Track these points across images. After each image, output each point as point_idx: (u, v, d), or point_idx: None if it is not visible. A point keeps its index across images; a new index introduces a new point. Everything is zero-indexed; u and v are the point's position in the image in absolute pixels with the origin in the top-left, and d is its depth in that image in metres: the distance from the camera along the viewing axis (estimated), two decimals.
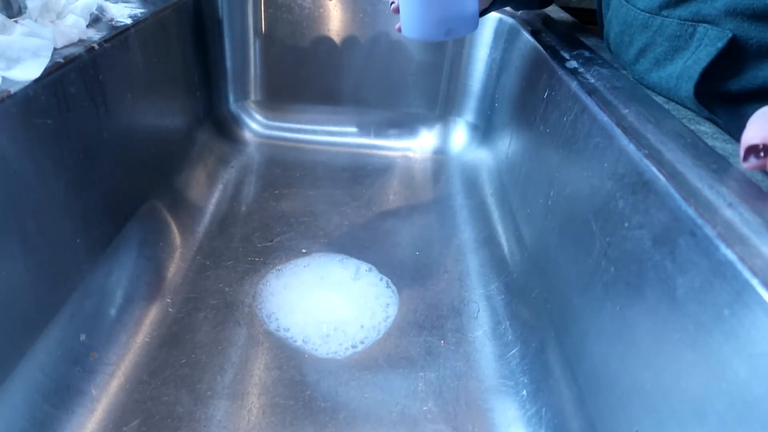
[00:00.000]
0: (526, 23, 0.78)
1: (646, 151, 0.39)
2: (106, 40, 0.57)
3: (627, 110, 0.46)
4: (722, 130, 0.44)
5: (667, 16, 0.50)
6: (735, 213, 0.31)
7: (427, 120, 0.99)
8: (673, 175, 0.36)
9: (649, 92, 0.52)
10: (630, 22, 0.54)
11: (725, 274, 0.29)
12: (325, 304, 0.66)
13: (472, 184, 0.86)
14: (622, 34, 0.56)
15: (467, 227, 0.77)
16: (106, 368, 0.52)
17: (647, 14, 0.52)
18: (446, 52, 0.94)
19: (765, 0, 0.42)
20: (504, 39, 0.86)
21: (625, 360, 0.38)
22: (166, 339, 0.57)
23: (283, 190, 0.85)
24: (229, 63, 0.97)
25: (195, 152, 0.85)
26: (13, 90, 0.43)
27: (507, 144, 0.79)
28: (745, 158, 0.33)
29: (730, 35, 0.44)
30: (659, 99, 0.50)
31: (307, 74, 0.97)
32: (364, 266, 0.69)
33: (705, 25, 0.46)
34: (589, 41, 0.68)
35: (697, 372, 0.30)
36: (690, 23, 0.48)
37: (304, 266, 0.69)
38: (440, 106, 0.99)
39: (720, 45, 0.45)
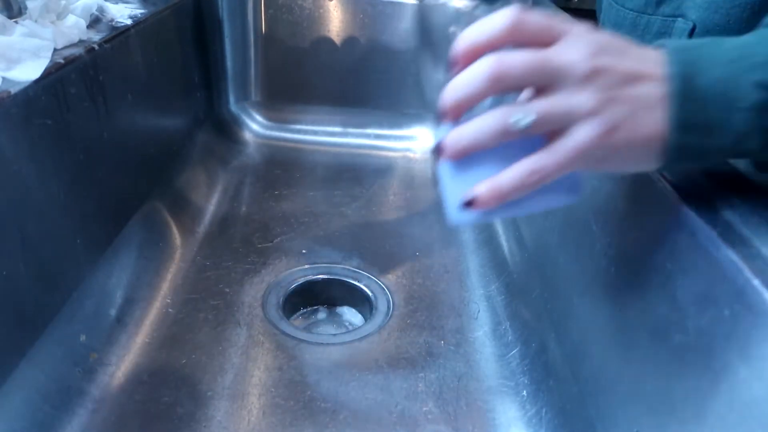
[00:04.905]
0: None
1: None
2: (106, 41, 0.57)
3: None
4: None
5: (652, 14, 0.50)
6: (735, 213, 0.31)
7: (427, 121, 0.99)
8: (673, 175, 0.36)
9: None
10: (620, 23, 0.54)
11: (725, 275, 0.29)
12: (325, 304, 0.66)
13: None
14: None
15: (467, 227, 0.77)
16: (106, 369, 0.52)
17: (635, 13, 0.52)
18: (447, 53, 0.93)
19: None
20: None
21: (625, 360, 0.38)
22: (166, 340, 0.57)
23: (283, 190, 0.85)
24: (229, 64, 0.97)
25: (195, 153, 0.85)
26: (13, 90, 0.43)
27: None
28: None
29: (691, 25, 0.45)
30: None
31: (307, 75, 0.97)
32: (364, 266, 0.69)
33: (680, 18, 0.47)
34: None
35: (697, 372, 0.30)
36: (671, 18, 0.48)
37: (306, 266, 0.69)
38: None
39: (684, 37, 0.46)
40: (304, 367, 0.55)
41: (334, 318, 0.65)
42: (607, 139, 0.27)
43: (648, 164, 0.28)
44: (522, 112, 0.27)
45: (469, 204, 0.31)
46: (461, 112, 0.30)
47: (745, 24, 0.43)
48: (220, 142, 0.93)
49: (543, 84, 0.27)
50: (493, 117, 0.28)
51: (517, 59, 0.27)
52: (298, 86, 0.99)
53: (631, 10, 0.53)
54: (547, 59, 0.27)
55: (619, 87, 0.27)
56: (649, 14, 0.51)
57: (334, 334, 0.60)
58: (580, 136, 0.27)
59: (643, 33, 0.52)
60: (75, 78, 0.51)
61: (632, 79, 0.27)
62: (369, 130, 1.00)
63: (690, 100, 0.26)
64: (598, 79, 0.27)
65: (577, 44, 0.27)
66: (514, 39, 0.28)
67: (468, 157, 0.30)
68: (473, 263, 0.71)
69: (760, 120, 0.26)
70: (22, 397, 0.44)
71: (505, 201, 0.29)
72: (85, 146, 0.53)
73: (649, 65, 0.27)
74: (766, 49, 0.26)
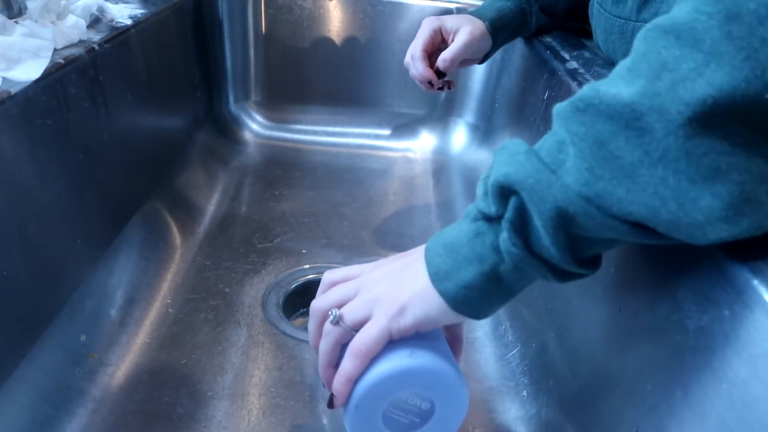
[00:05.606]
0: None
1: None
2: (106, 41, 0.57)
3: None
4: None
5: (636, 21, 0.50)
6: None
7: (427, 121, 0.99)
8: None
9: None
10: (610, 30, 0.54)
11: (725, 274, 0.29)
12: None
13: (472, 184, 0.86)
14: (606, 42, 0.56)
15: None
16: (106, 369, 0.52)
17: (622, 20, 0.52)
18: None
19: None
20: None
21: (625, 360, 0.38)
22: (166, 340, 0.57)
23: (283, 190, 0.85)
24: (229, 64, 0.97)
25: (195, 153, 0.85)
26: (13, 91, 0.43)
27: None
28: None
29: None
30: None
31: (307, 75, 0.97)
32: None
33: None
34: (589, 42, 0.68)
35: (697, 372, 0.30)
36: None
37: (306, 266, 0.69)
38: (440, 106, 0.99)
39: None
40: (304, 367, 0.55)
41: None
42: (397, 299, 0.36)
43: (451, 316, 0.35)
44: (333, 312, 0.37)
45: (332, 402, 0.38)
46: (317, 347, 0.40)
47: None
48: (220, 142, 0.94)
49: (353, 296, 0.38)
50: (325, 321, 0.38)
51: (331, 292, 0.39)
52: (298, 86, 0.99)
53: (617, 17, 0.53)
54: (347, 284, 0.39)
55: (397, 271, 0.37)
56: (633, 21, 0.50)
57: None
58: (378, 307, 0.36)
59: (630, 39, 0.51)
60: (75, 78, 0.51)
61: (405, 263, 0.37)
62: (369, 130, 1.00)
63: (435, 256, 0.35)
64: (382, 275, 0.38)
65: (367, 270, 0.39)
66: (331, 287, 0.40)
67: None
68: None
69: (477, 245, 0.34)
70: (22, 397, 0.44)
71: (353, 383, 0.36)
72: (85, 146, 0.53)
73: (415, 254, 0.37)
74: (477, 199, 0.37)
